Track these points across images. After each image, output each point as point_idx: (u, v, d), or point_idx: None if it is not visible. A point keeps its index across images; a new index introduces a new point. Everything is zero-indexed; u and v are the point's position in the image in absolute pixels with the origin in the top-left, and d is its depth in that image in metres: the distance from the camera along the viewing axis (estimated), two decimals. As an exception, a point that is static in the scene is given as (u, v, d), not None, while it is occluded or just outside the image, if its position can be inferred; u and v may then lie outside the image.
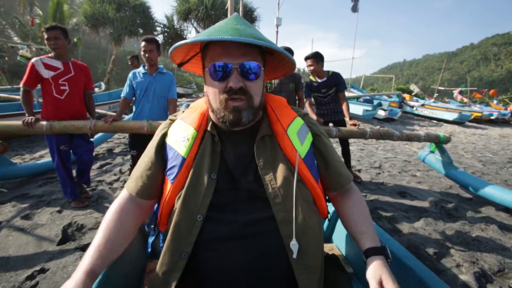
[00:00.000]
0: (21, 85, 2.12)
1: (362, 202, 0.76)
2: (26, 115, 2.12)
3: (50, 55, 2.17)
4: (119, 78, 21.76)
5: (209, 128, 0.71)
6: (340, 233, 1.15)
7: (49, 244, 1.81)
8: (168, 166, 0.70)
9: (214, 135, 0.71)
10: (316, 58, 2.97)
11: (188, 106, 4.39)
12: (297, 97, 3.05)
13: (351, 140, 6.03)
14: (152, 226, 0.84)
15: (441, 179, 3.56)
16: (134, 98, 2.51)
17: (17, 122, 2.12)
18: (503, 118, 13.13)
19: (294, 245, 0.61)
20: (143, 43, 2.34)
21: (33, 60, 2.11)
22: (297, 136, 0.71)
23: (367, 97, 11.45)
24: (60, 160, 2.24)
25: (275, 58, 0.76)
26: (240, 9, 5.18)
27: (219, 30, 0.61)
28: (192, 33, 14.33)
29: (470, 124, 11.83)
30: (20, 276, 1.51)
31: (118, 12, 12.75)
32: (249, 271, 0.62)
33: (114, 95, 8.32)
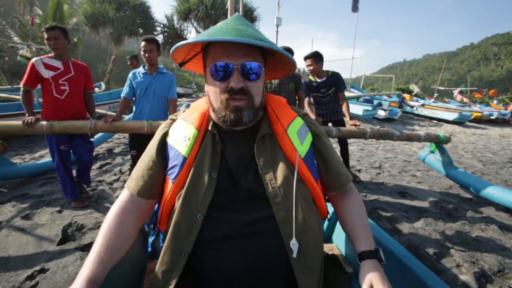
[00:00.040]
0: (21, 85, 2.12)
1: (360, 203, 0.78)
2: (26, 115, 2.12)
3: (50, 55, 2.17)
4: (119, 78, 21.76)
5: (210, 128, 0.72)
6: (340, 233, 1.15)
7: (49, 244, 1.81)
8: (169, 166, 0.70)
9: (215, 135, 0.71)
10: (316, 57, 2.97)
11: (188, 106, 4.39)
12: (297, 97, 3.05)
13: (351, 140, 6.04)
14: (152, 226, 0.84)
15: (441, 179, 3.56)
16: (134, 98, 2.51)
17: (17, 122, 2.12)
18: (503, 118, 13.13)
19: (294, 244, 0.61)
20: (143, 43, 2.34)
21: (33, 60, 2.11)
22: (297, 136, 0.72)
23: (367, 97, 11.45)
24: (60, 160, 2.25)
25: (276, 59, 0.76)
26: (240, 9, 5.18)
27: (220, 31, 0.61)
28: (192, 33, 14.34)
29: (470, 124, 11.83)
30: (20, 276, 1.51)
31: (118, 12, 12.76)
32: (249, 271, 0.62)
33: (114, 95, 8.32)
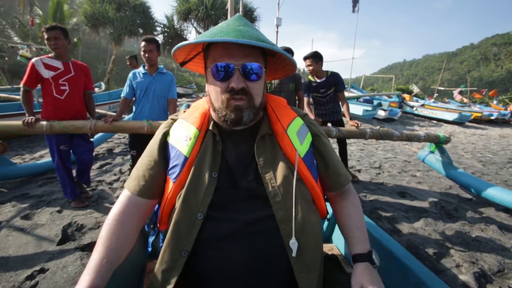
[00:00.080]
0: (21, 85, 2.12)
1: (358, 205, 0.79)
2: (26, 115, 2.12)
3: (50, 55, 2.17)
4: (119, 78, 21.77)
5: (210, 127, 0.72)
6: (339, 233, 1.15)
7: (49, 244, 1.81)
8: (170, 165, 0.70)
9: (216, 134, 0.71)
10: (315, 58, 2.96)
11: (188, 106, 4.39)
12: (297, 97, 3.06)
13: (351, 140, 6.04)
14: (152, 226, 0.84)
15: (441, 179, 3.56)
16: (134, 98, 2.51)
17: (17, 122, 2.12)
18: (503, 118, 13.13)
19: (293, 243, 0.61)
20: (143, 43, 2.35)
21: (33, 60, 2.11)
22: (296, 136, 0.72)
23: (367, 97, 11.45)
24: (60, 160, 2.25)
25: (277, 60, 0.77)
26: (240, 9, 5.18)
27: (221, 31, 0.62)
28: (192, 33, 14.34)
29: (470, 124, 11.83)
30: (20, 276, 1.51)
31: (118, 12, 12.76)
32: (249, 270, 0.62)
33: (114, 95, 8.32)
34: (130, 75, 2.47)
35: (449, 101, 19.27)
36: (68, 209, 2.30)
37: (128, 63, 5.11)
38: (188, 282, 0.65)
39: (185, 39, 13.26)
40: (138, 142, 2.42)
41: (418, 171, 3.99)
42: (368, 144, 6.02)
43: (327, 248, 1.10)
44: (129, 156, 3.79)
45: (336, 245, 1.16)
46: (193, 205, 0.65)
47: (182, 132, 0.72)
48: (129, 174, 3.18)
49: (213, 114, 0.73)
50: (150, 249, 0.92)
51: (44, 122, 2.10)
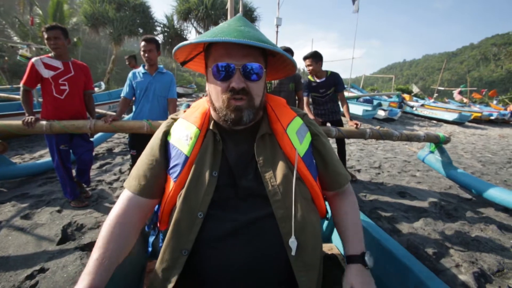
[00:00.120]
0: (21, 84, 2.12)
1: (355, 206, 0.80)
2: (26, 114, 2.12)
3: (50, 55, 2.17)
4: (119, 78, 21.75)
5: (211, 127, 0.73)
6: (339, 233, 1.15)
7: (49, 244, 1.81)
8: (171, 165, 0.71)
9: (216, 134, 0.72)
10: (315, 57, 2.96)
11: (188, 106, 4.39)
12: (297, 97, 3.05)
13: (351, 140, 6.05)
14: (152, 226, 0.84)
15: (440, 179, 3.57)
16: (134, 98, 2.51)
17: (17, 122, 2.12)
18: (502, 118, 13.14)
19: (292, 242, 0.62)
20: (142, 43, 2.34)
21: (33, 59, 2.11)
22: (296, 135, 0.73)
23: (367, 97, 11.45)
24: (60, 159, 2.25)
25: (277, 60, 0.77)
26: (240, 9, 5.18)
27: (222, 31, 0.62)
28: (192, 33, 14.32)
29: (469, 124, 11.84)
30: (19, 275, 1.51)
31: (118, 12, 12.74)
32: (249, 269, 0.62)
33: (114, 95, 8.32)
34: (130, 75, 2.47)
35: (449, 101, 19.28)
36: (68, 209, 2.30)
37: (127, 63, 5.10)
38: (188, 281, 0.65)
39: (185, 39, 13.27)
40: (138, 142, 2.42)
41: (418, 171, 3.99)
42: (368, 144, 6.02)
43: (326, 247, 1.10)
44: (129, 156, 3.79)
45: (336, 245, 1.16)
46: (194, 204, 0.65)
47: (182, 132, 0.72)
48: (129, 174, 3.19)
49: (213, 113, 0.73)
50: (150, 249, 0.92)
51: (44, 122, 2.10)
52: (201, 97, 0.87)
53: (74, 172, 2.48)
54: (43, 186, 2.77)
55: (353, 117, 3.04)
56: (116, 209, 0.69)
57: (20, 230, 1.95)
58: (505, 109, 15.33)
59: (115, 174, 3.23)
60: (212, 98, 0.70)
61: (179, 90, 15.13)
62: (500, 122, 13.27)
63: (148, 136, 2.11)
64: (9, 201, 2.36)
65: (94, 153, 3.18)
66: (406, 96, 16.16)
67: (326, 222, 1.28)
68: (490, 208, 2.68)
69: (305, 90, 3.11)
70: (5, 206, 2.29)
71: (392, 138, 2.61)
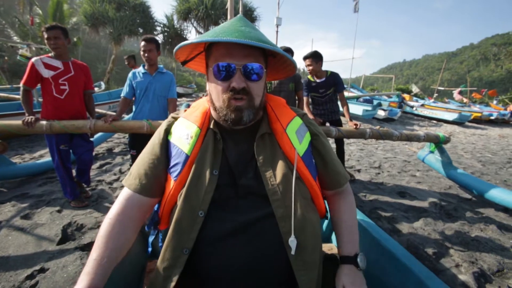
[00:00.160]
0: (21, 84, 2.12)
1: (353, 207, 0.81)
2: (26, 114, 2.12)
3: (50, 54, 2.17)
4: (119, 78, 21.74)
5: (211, 126, 0.73)
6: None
7: (49, 244, 1.81)
8: (171, 164, 0.71)
9: (217, 133, 0.72)
10: (315, 57, 2.96)
11: (188, 106, 4.39)
12: (296, 97, 3.05)
13: (350, 140, 6.05)
14: (152, 225, 0.85)
15: (440, 179, 3.57)
16: (134, 98, 2.51)
17: (17, 122, 2.12)
18: (502, 118, 13.14)
19: (292, 241, 0.62)
20: (142, 43, 2.34)
21: (33, 59, 2.11)
22: (295, 135, 0.73)
23: (367, 97, 11.45)
24: (60, 159, 2.25)
25: (277, 60, 0.77)
26: (240, 9, 5.18)
27: (223, 31, 0.62)
28: (192, 33, 14.31)
29: (469, 124, 11.84)
30: (19, 275, 1.51)
31: (118, 12, 12.73)
32: (249, 269, 0.62)
33: (114, 95, 8.32)
34: (130, 74, 2.47)
35: (449, 101, 19.28)
36: (68, 209, 2.30)
37: (126, 63, 5.10)
38: (189, 280, 0.65)
39: (185, 39, 13.26)
40: (138, 142, 2.42)
41: (418, 171, 3.99)
42: (368, 144, 6.02)
43: (326, 247, 1.10)
44: (129, 156, 3.79)
45: (336, 244, 1.16)
46: (195, 202, 0.65)
47: (183, 131, 0.73)
48: (129, 174, 3.19)
49: (213, 113, 0.74)
50: (150, 249, 0.92)
51: (44, 122, 2.10)
52: (201, 97, 0.87)
53: (74, 172, 2.48)
54: (43, 186, 2.77)
55: (353, 117, 3.04)
56: (115, 208, 0.68)
57: (20, 230, 1.95)
58: (505, 109, 15.32)
59: (115, 174, 3.23)
60: (212, 97, 0.70)
61: (179, 90, 15.13)
62: (500, 122, 13.27)
63: (148, 136, 2.12)
64: (9, 201, 2.36)
65: (94, 153, 3.17)
66: (406, 96, 16.16)
67: (326, 222, 1.28)
68: (490, 208, 2.68)
69: (305, 90, 3.11)
70: (5, 206, 2.29)
71: (392, 138, 2.61)
